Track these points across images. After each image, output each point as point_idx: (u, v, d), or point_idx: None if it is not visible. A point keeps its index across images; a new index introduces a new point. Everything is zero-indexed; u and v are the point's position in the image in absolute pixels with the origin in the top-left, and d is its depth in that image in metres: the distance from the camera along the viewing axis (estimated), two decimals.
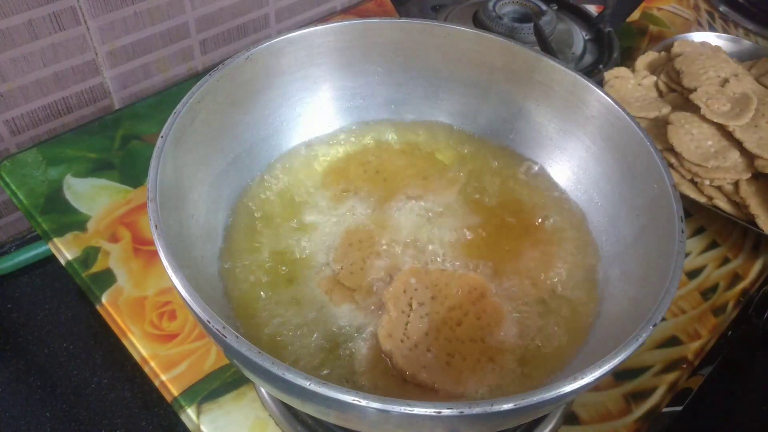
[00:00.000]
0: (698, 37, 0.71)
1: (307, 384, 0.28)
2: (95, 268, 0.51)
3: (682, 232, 0.36)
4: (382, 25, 0.49)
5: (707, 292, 0.54)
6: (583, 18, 0.76)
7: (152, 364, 0.47)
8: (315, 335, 0.40)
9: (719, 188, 0.56)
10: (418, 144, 0.52)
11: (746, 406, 0.54)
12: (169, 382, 0.46)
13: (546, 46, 0.66)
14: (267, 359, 0.29)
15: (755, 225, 0.54)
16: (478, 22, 0.71)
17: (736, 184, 0.55)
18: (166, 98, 0.66)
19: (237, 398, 0.45)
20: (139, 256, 0.52)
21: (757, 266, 0.56)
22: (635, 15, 0.81)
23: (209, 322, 0.31)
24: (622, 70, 0.65)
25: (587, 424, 0.46)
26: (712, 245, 0.58)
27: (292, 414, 0.44)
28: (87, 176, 0.58)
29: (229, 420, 0.44)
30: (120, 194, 0.57)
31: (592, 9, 0.77)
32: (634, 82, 0.65)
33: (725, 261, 0.56)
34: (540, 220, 0.47)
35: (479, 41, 0.49)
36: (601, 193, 0.46)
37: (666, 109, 0.61)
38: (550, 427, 0.45)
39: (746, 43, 0.71)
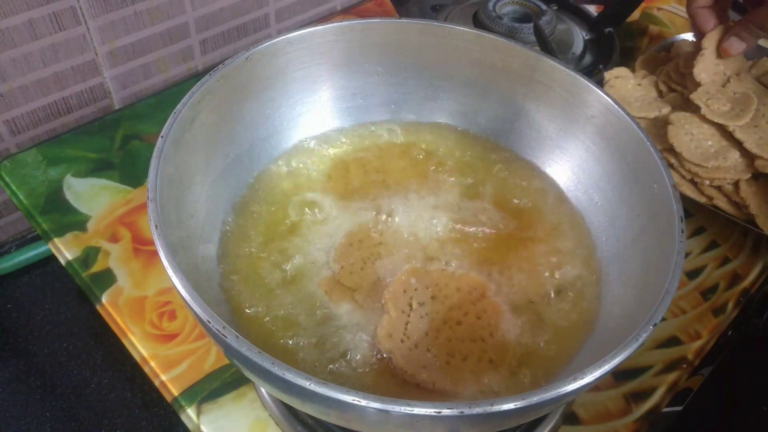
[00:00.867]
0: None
1: (307, 384, 0.28)
2: (95, 268, 0.51)
3: (682, 232, 0.36)
4: (382, 25, 0.49)
5: (707, 292, 0.54)
6: (583, 18, 0.76)
7: (152, 364, 0.47)
8: (315, 335, 0.40)
9: (719, 188, 0.56)
10: (418, 144, 0.52)
11: (746, 406, 0.54)
12: (169, 382, 0.46)
13: (546, 46, 0.66)
14: (267, 359, 0.29)
15: (755, 225, 0.54)
16: (478, 22, 0.71)
17: (736, 184, 0.55)
18: (166, 98, 0.66)
19: (237, 398, 0.45)
20: (139, 256, 0.52)
21: (757, 266, 0.56)
22: (635, 15, 0.81)
23: (209, 322, 0.31)
24: (622, 70, 0.65)
25: (587, 424, 0.46)
26: (712, 245, 0.58)
27: (292, 414, 0.44)
28: (87, 176, 0.58)
29: (229, 420, 0.44)
30: (120, 194, 0.57)
31: (592, 9, 0.77)
32: (634, 82, 0.65)
33: (725, 261, 0.56)
34: (540, 220, 0.47)
35: (479, 41, 0.49)
36: (601, 193, 0.47)
37: (666, 109, 0.61)
38: (550, 427, 0.45)
39: None
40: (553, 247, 0.46)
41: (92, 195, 0.56)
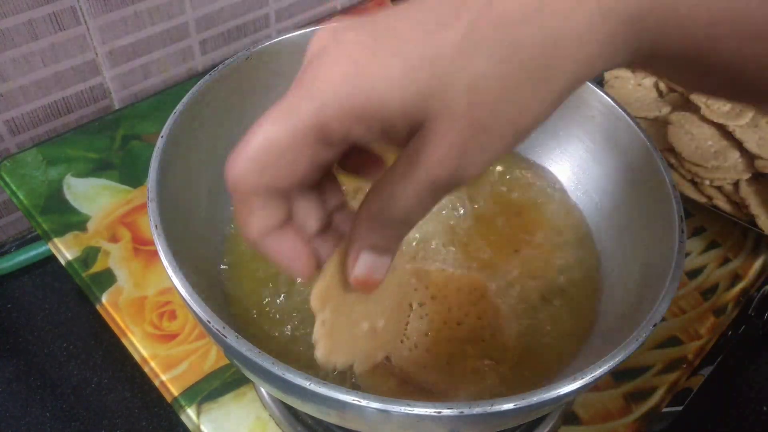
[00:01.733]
0: None
1: (307, 384, 0.28)
2: (95, 268, 0.51)
3: (682, 232, 0.36)
4: None
5: (707, 292, 0.54)
6: None
7: (152, 364, 0.47)
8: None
9: (719, 188, 0.56)
10: None
11: (746, 406, 0.54)
12: (169, 382, 0.46)
13: None
14: (267, 359, 0.29)
15: (755, 225, 0.54)
16: None
17: (736, 184, 0.55)
18: (166, 98, 0.66)
19: (237, 398, 0.45)
20: (139, 256, 0.52)
21: (757, 266, 0.56)
22: None
23: (209, 322, 0.31)
24: (622, 70, 0.65)
25: (587, 424, 0.46)
26: (712, 245, 0.57)
27: (292, 414, 0.44)
28: (87, 176, 0.58)
29: (229, 420, 0.44)
30: (120, 194, 0.57)
31: None
32: (634, 82, 0.65)
33: (725, 261, 0.56)
34: (539, 220, 0.47)
35: None
36: (601, 193, 0.46)
37: (666, 109, 0.61)
38: (550, 427, 0.45)
39: None
40: (553, 247, 0.46)
41: (92, 195, 0.56)
